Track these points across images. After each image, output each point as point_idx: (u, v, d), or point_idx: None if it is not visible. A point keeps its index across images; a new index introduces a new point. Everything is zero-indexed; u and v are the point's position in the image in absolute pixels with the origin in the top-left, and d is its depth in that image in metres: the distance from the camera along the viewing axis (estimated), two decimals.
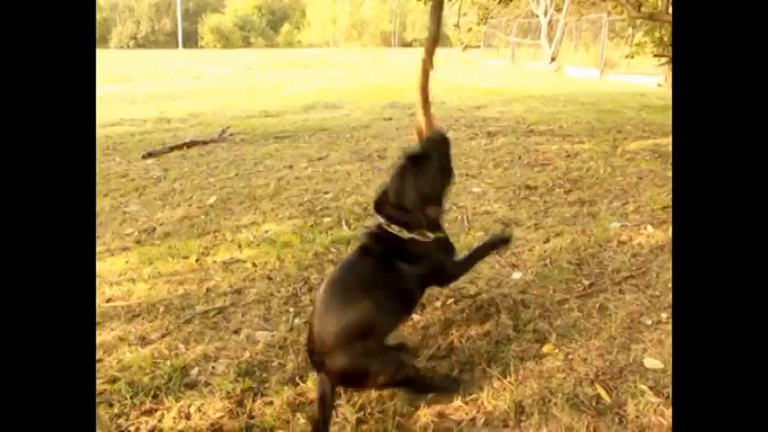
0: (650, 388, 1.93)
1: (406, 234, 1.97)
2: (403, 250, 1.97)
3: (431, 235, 2.00)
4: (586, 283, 2.73)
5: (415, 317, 2.45)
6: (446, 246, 2.12)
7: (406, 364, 1.88)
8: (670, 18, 7.01)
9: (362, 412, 1.86)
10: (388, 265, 1.95)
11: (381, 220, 2.01)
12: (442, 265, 2.11)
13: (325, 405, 1.76)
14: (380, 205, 2.03)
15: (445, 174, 2.06)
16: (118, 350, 2.27)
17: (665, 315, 2.41)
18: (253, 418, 1.87)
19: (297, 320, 2.46)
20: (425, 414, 1.86)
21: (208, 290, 2.78)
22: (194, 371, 2.13)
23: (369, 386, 1.86)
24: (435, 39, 2.39)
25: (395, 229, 1.98)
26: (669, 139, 6.17)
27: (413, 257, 1.97)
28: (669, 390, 1.92)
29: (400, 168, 2.01)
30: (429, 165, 2.00)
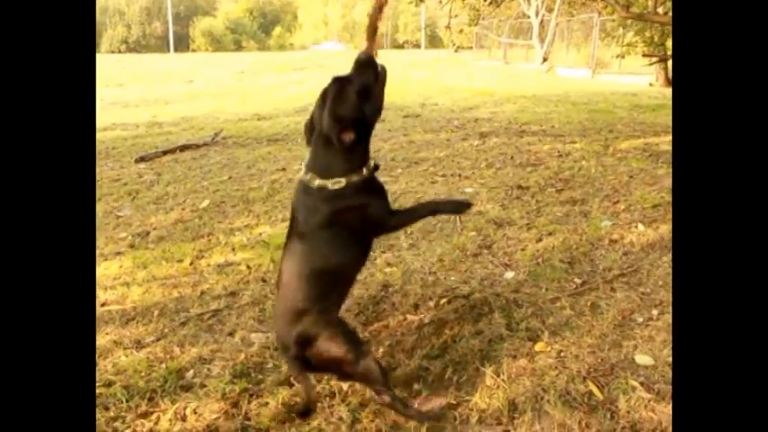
0: (641, 384, 1.96)
1: (317, 182, 1.88)
2: (332, 200, 1.88)
3: (342, 180, 1.86)
4: (578, 281, 2.76)
5: (409, 317, 2.47)
6: (369, 188, 1.95)
7: (365, 350, 1.83)
8: (659, 18, 7.06)
9: (357, 412, 1.88)
10: (323, 222, 1.88)
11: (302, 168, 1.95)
12: (374, 213, 1.95)
13: (297, 368, 1.84)
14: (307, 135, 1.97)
15: (367, 98, 1.89)
16: (113, 354, 2.28)
17: (656, 312, 2.44)
18: (248, 419, 1.88)
19: None
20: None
21: (202, 293, 2.79)
22: (190, 373, 2.14)
23: (324, 358, 1.82)
24: None
25: (306, 177, 1.91)
26: (660, 138, 6.22)
27: (343, 206, 1.88)
28: (660, 386, 1.95)
29: (322, 91, 1.92)
30: (348, 86, 1.87)
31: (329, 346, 1.80)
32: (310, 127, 1.95)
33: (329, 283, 1.90)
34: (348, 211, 1.89)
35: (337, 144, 1.83)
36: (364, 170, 1.91)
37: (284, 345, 1.89)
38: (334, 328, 1.84)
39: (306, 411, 1.86)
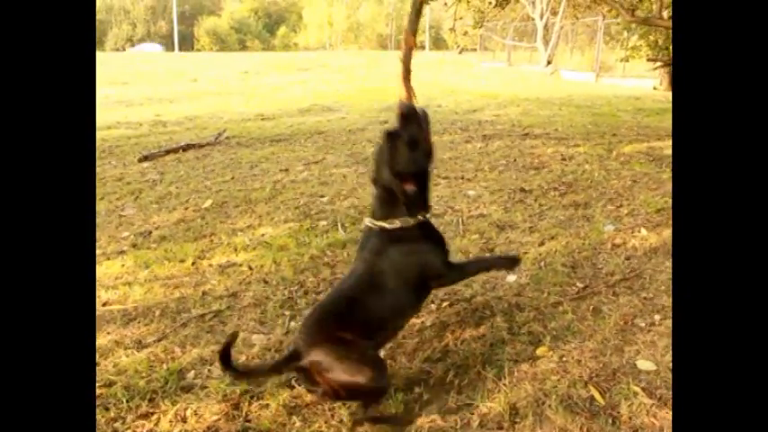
0: (643, 389, 1.95)
1: (383, 224, 1.98)
2: (391, 243, 1.97)
3: (411, 220, 1.98)
4: (580, 285, 2.75)
5: (411, 319, 2.46)
6: (433, 236, 2.08)
7: (384, 377, 1.81)
8: (664, 22, 7.06)
9: (357, 415, 1.87)
10: (378, 261, 1.97)
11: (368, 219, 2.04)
12: (432, 261, 2.05)
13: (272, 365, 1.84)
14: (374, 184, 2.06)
15: (419, 149, 1.98)
16: (114, 354, 2.28)
17: (659, 317, 2.43)
18: (249, 421, 1.87)
19: (292, 324, 2.46)
20: (420, 417, 1.87)
21: (204, 293, 2.79)
22: (190, 374, 2.13)
23: (334, 388, 1.76)
24: (418, 12, 2.45)
25: (372, 221, 2.01)
26: (663, 143, 6.21)
27: (401, 250, 1.98)
28: (662, 391, 1.94)
29: (377, 147, 2.03)
30: (399, 141, 1.96)
31: (342, 378, 1.74)
32: (375, 180, 2.04)
33: (372, 321, 1.90)
34: (406, 256, 1.99)
35: (402, 197, 1.95)
36: (419, 216, 2.02)
37: (297, 357, 1.79)
38: (362, 367, 1.76)
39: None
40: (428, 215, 2.07)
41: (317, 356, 1.74)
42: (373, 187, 2.06)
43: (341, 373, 1.73)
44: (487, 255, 2.51)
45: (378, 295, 1.93)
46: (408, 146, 1.95)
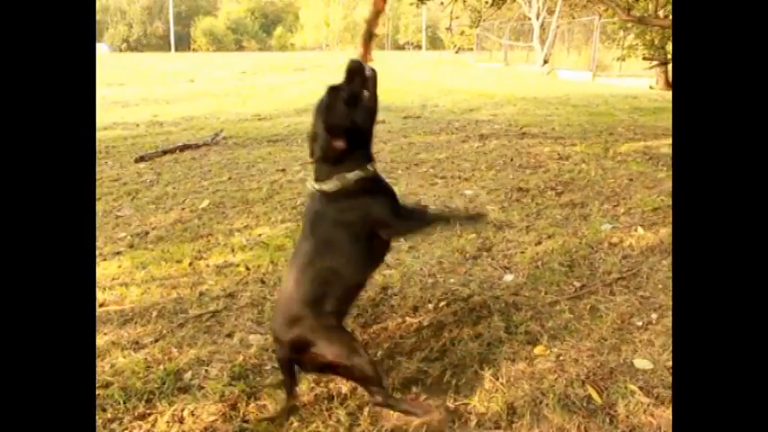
0: (640, 388, 1.95)
1: (322, 187, 1.90)
2: (332, 204, 1.91)
3: (350, 177, 1.88)
4: (577, 284, 2.75)
5: (408, 319, 2.46)
6: (376, 188, 1.98)
7: (361, 354, 1.82)
8: (660, 21, 7.07)
9: (356, 415, 1.87)
10: (324, 225, 1.92)
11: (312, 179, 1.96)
12: (377, 213, 1.95)
13: (286, 368, 1.92)
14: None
15: (356, 105, 1.89)
16: (111, 355, 2.27)
17: (656, 316, 2.43)
18: (246, 421, 1.87)
19: None
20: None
21: (201, 294, 2.79)
22: (188, 375, 2.13)
23: (318, 362, 1.85)
24: None
25: (312, 184, 1.94)
26: (660, 141, 6.22)
27: (343, 209, 1.91)
28: (659, 390, 1.94)
29: (317, 103, 1.93)
30: (337, 95, 1.89)
31: (325, 353, 1.82)
32: (313, 138, 1.95)
33: (327, 287, 1.88)
34: (347, 212, 1.91)
35: (330, 152, 1.86)
36: (357, 171, 1.90)
37: (280, 343, 1.91)
38: (330, 335, 1.84)
39: (283, 415, 1.87)
40: (371, 169, 1.95)
41: (293, 335, 1.84)
42: (311, 147, 1.97)
43: (320, 349, 1.82)
44: (451, 207, 2.44)
45: (325, 262, 1.89)
46: (346, 101, 1.87)
